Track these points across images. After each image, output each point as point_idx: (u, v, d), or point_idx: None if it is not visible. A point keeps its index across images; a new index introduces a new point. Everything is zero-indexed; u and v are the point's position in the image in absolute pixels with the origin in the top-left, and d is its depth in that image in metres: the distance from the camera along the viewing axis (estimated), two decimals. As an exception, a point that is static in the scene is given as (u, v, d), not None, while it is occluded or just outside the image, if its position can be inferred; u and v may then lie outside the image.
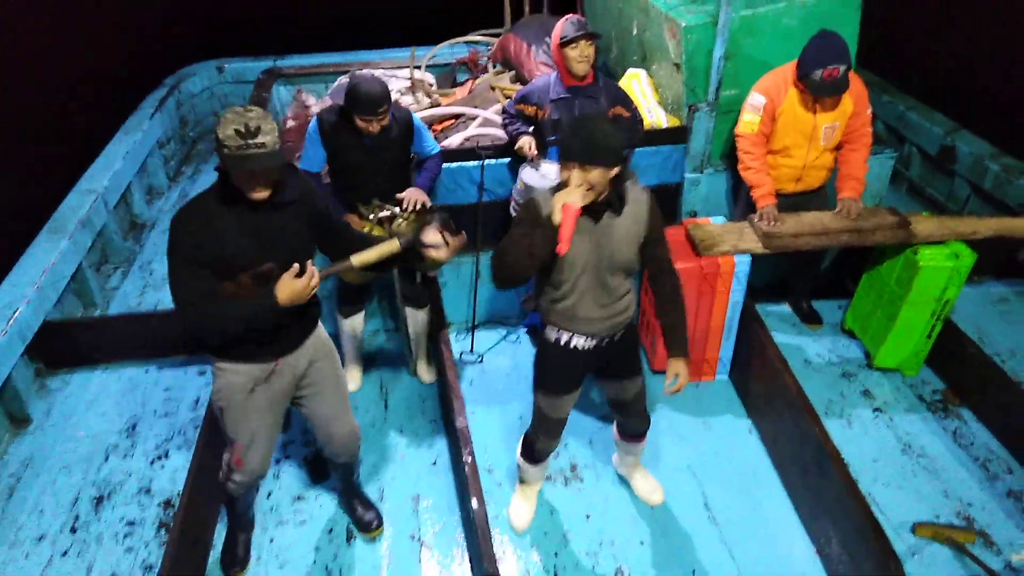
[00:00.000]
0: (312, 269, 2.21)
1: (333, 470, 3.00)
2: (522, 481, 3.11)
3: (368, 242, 2.40)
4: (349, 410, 2.74)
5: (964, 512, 3.08)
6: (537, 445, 2.86)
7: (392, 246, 2.31)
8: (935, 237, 3.47)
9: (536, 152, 3.49)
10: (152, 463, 3.36)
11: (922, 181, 5.13)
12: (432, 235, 2.35)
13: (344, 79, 5.42)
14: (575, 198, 2.17)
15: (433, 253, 2.35)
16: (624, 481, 3.26)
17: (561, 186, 2.28)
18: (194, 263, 2.13)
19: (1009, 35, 4.77)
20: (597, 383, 2.79)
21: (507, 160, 3.87)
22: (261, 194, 2.12)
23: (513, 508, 3.12)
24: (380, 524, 3.05)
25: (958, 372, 3.65)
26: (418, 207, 3.28)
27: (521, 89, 3.60)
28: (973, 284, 3.96)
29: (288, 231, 2.25)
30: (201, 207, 2.17)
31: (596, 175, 2.18)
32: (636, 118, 3.61)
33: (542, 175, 3.50)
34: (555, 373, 2.67)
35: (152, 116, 5.49)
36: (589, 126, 2.19)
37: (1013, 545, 2.94)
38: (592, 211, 2.29)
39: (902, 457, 3.35)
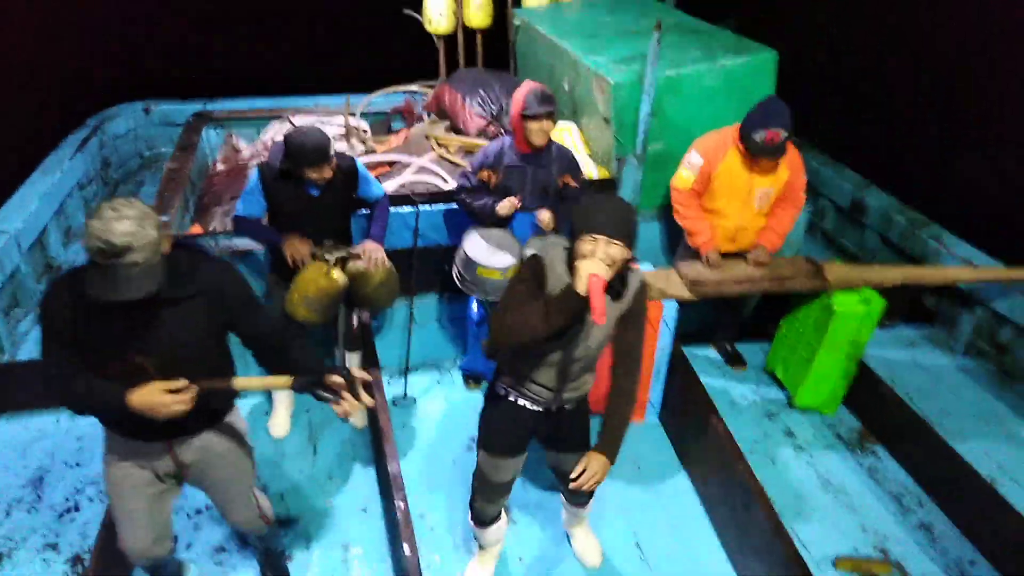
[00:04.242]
0: (186, 396, 1.97)
1: (248, 539, 2.82)
2: (480, 547, 3.00)
3: (288, 352, 2.18)
4: (248, 497, 2.51)
5: (880, 545, 3.21)
6: (476, 506, 2.80)
7: (283, 381, 2.11)
8: (847, 283, 3.69)
9: (520, 204, 3.41)
10: (60, 516, 3.15)
11: (835, 232, 5.45)
12: (334, 388, 2.12)
13: (278, 135, 5.39)
14: (602, 269, 2.05)
15: (333, 406, 2.13)
16: (558, 523, 3.25)
17: (570, 255, 2.16)
18: (60, 340, 1.96)
19: (918, 98, 5.17)
20: (541, 447, 2.75)
21: (442, 207, 3.91)
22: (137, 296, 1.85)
23: (469, 572, 3.00)
24: None
25: (873, 411, 3.84)
26: (378, 265, 3.27)
27: (475, 158, 3.51)
28: (884, 328, 4.19)
29: (175, 327, 2.00)
30: (74, 286, 1.91)
31: (617, 251, 2.08)
32: (583, 186, 3.59)
33: (485, 247, 3.46)
34: (499, 432, 2.59)
35: (73, 156, 5.31)
36: (615, 202, 2.16)
37: (925, 575, 3.07)
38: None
39: (822, 493, 3.47)
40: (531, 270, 2.26)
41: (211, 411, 2.28)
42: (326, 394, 2.10)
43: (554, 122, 3.31)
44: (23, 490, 3.28)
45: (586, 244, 2.10)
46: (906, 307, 4.51)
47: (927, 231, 4.53)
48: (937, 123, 4.99)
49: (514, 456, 2.64)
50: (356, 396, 2.10)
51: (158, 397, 1.93)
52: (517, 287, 2.24)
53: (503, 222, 3.49)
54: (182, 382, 1.97)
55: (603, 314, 2.01)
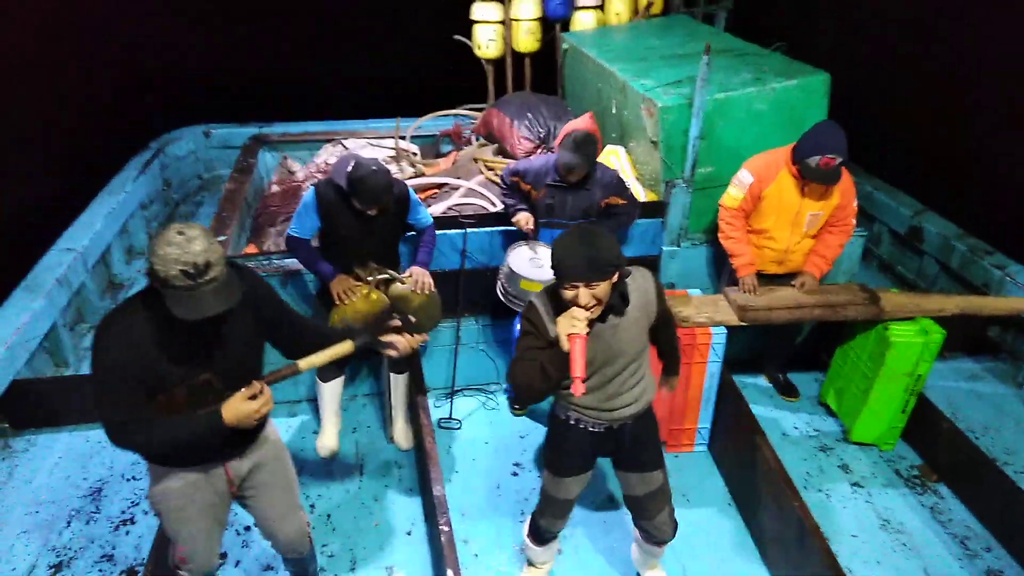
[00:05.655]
0: (268, 393, 2.08)
1: (285, 564, 2.85)
2: (529, 563, 3.01)
3: (323, 336, 2.29)
4: (296, 509, 2.58)
5: (944, 590, 3.07)
6: (541, 524, 2.80)
7: (345, 347, 2.19)
8: (904, 313, 3.57)
9: (532, 228, 3.56)
10: (116, 529, 3.24)
11: (891, 258, 5.30)
12: (391, 336, 2.28)
13: (344, 153, 5.51)
14: (580, 326, 2.04)
15: (390, 352, 2.28)
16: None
17: (561, 306, 2.14)
18: (122, 377, 1.95)
19: (974, 121, 5.03)
20: (614, 469, 2.74)
21: (489, 229, 3.94)
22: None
23: None
24: None
25: (934, 447, 3.68)
26: (427, 291, 3.36)
27: (519, 163, 3.65)
28: (945, 360, 4.04)
29: (228, 340, 2.08)
30: (129, 317, 1.97)
31: (600, 289, 2.08)
32: (632, 202, 3.66)
33: (529, 260, 3.54)
34: (562, 453, 2.60)
35: (136, 178, 5.53)
36: (584, 243, 2.06)
37: (994, 625, 2.92)
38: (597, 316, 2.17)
39: (881, 533, 3.34)
40: (529, 322, 2.27)
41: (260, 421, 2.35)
42: (385, 339, 2.22)
43: (588, 165, 3.41)
44: (83, 500, 3.39)
45: (567, 291, 2.10)
46: (968, 338, 4.34)
47: (990, 259, 4.37)
48: (1000, 146, 4.83)
49: (577, 476, 2.64)
50: (412, 336, 2.26)
51: (246, 406, 2.02)
52: (522, 340, 2.27)
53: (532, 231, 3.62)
54: (257, 386, 2.05)
55: (583, 376, 2.03)
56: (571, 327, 2.04)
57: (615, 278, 2.12)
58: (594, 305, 2.09)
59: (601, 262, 2.04)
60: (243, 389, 2.04)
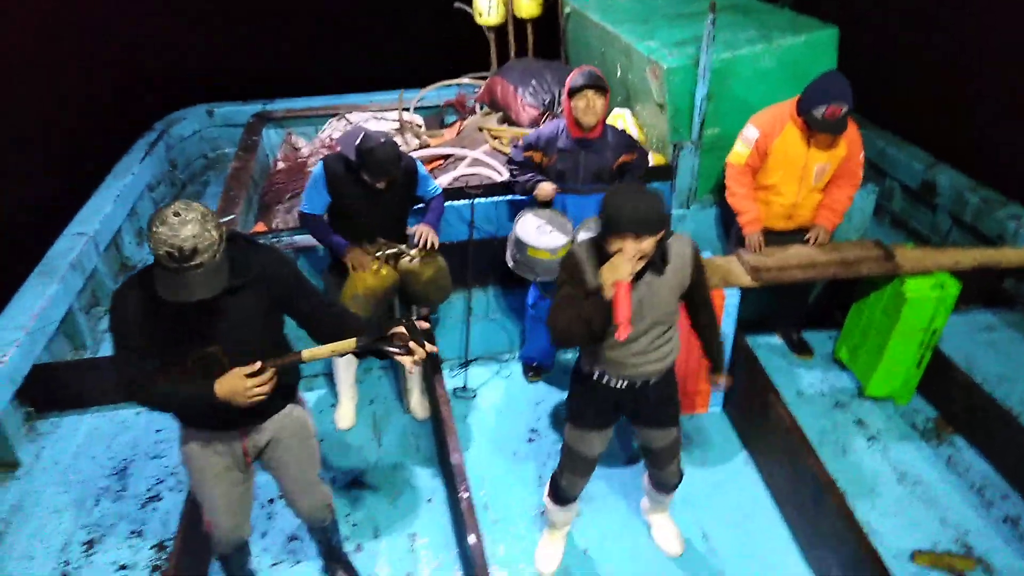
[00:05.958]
0: (266, 376, 2.06)
1: (309, 534, 2.91)
2: (549, 524, 3.04)
3: (341, 320, 2.26)
4: (315, 485, 2.63)
5: (962, 539, 3.09)
6: (562, 483, 2.81)
7: (348, 345, 2.12)
8: (919, 268, 3.54)
9: (553, 195, 3.48)
10: (143, 506, 3.31)
11: (904, 214, 5.25)
12: (397, 341, 2.11)
13: (335, 133, 5.49)
14: (624, 273, 2.12)
15: (398, 358, 2.12)
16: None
17: (603, 258, 2.21)
18: (132, 344, 2.04)
19: (985, 72, 4.93)
20: (630, 426, 2.82)
21: (496, 199, 3.92)
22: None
23: (539, 552, 3.05)
24: None
25: (949, 400, 3.69)
26: (429, 244, 3.34)
27: (528, 135, 3.56)
28: (960, 313, 4.02)
29: (238, 315, 2.09)
30: (138, 288, 2.02)
31: (647, 244, 2.15)
32: (642, 153, 3.60)
33: (536, 228, 3.50)
34: (585, 406, 2.66)
35: (142, 159, 5.52)
36: (639, 198, 2.14)
37: (1013, 571, 2.94)
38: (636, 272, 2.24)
39: (897, 485, 3.36)
40: (568, 271, 2.33)
41: (282, 389, 2.34)
42: (391, 348, 2.11)
43: (604, 99, 3.27)
44: (109, 480, 3.46)
45: (615, 244, 2.16)
46: (983, 290, 4.31)
47: (1005, 210, 4.32)
48: (1013, 94, 4.74)
49: (600, 430, 2.69)
50: (420, 344, 2.12)
51: (240, 383, 2.02)
52: (561, 289, 2.32)
53: (548, 201, 3.52)
54: (258, 364, 2.05)
55: (627, 325, 2.09)
56: (614, 273, 2.12)
57: (660, 236, 2.18)
58: (640, 258, 2.16)
59: (653, 216, 2.12)
60: (244, 367, 2.04)
